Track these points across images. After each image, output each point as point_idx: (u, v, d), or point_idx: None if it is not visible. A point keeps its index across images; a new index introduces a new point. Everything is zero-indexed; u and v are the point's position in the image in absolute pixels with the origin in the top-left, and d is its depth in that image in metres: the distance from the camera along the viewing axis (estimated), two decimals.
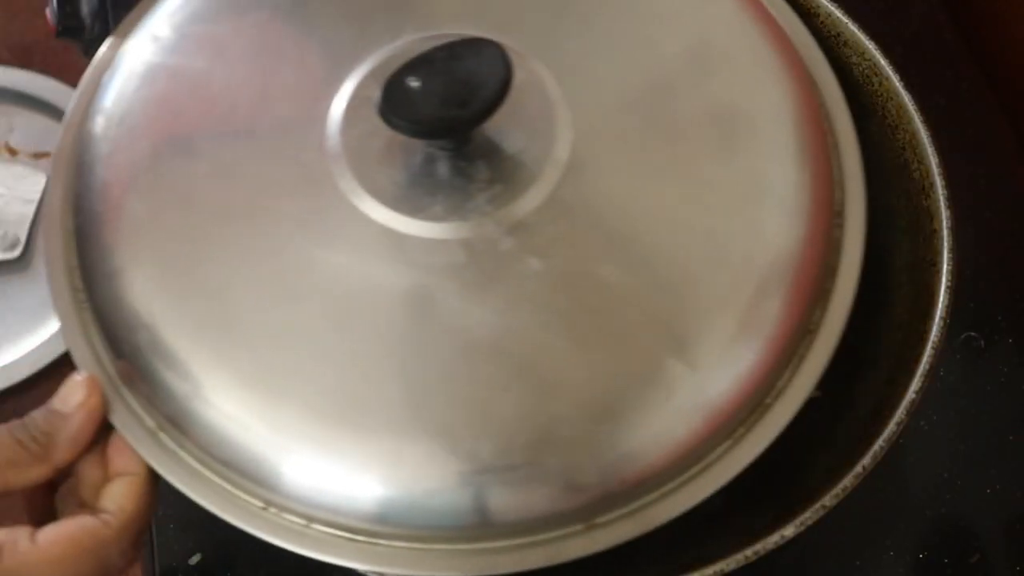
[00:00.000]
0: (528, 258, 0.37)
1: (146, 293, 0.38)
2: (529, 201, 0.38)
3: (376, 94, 0.40)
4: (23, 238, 0.82)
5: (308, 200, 0.39)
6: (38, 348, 0.78)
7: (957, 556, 0.51)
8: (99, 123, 0.41)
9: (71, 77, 0.89)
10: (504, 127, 0.39)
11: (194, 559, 0.52)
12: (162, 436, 0.39)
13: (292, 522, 0.37)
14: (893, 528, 0.52)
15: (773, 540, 0.37)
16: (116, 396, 0.39)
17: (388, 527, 0.37)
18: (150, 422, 0.39)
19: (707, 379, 0.37)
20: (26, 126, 0.89)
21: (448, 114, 0.36)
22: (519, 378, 0.36)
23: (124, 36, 0.44)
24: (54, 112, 0.89)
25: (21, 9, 0.94)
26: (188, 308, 0.38)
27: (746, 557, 0.37)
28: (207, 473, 0.38)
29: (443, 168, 0.39)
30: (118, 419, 0.39)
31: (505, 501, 0.36)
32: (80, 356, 0.40)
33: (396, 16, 0.42)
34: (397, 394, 0.36)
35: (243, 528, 0.38)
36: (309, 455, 0.36)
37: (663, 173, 0.39)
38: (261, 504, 0.38)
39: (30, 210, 0.84)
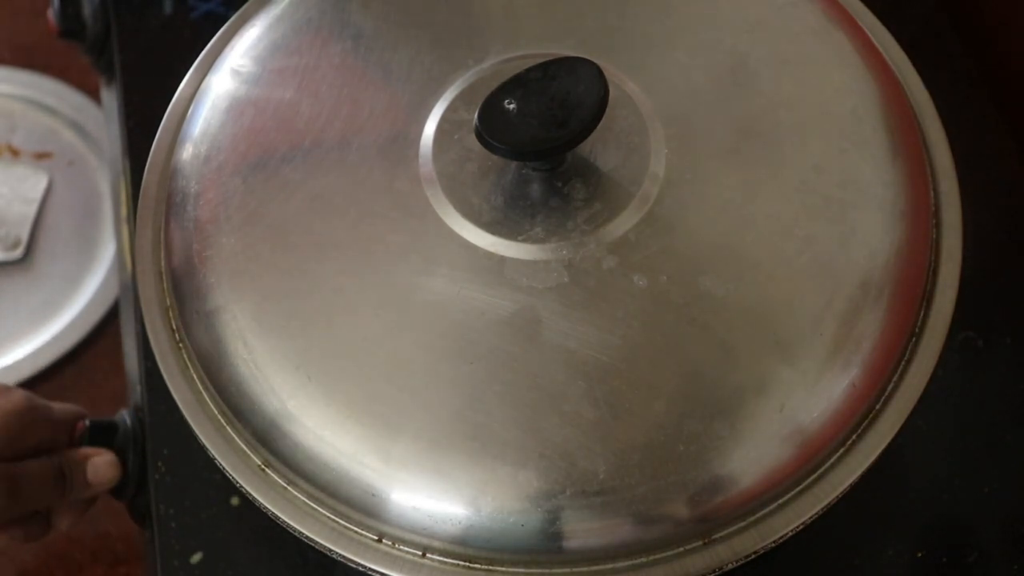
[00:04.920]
0: (632, 275, 0.37)
1: (248, 329, 0.38)
2: (629, 218, 0.38)
3: (466, 117, 0.40)
4: (25, 238, 0.82)
5: (406, 227, 0.38)
6: (39, 348, 0.78)
7: (955, 555, 0.51)
8: (186, 161, 0.41)
9: (73, 78, 0.90)
10: (598, 145, 0.39)
11: (195, 558, 0.52)
12: (270, 473, 0.38)
13: (407, 553, 0.37)
14: (891, 527, 0.52)
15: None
16: (220, 436, 0.39)
17: (504, 554, 0.36)
18: (256, 460, 0.38)
19: (818, 387, 0.37)
20: (28, 127, 0.89)
21: (547, 135, 0.36)
22: (631, 396, 0.36)
23: (202, 72, 0.43)
24: (56, 113, 0.89)
25: (23, 10, 0.94)
26: (292, 343, 0.37)
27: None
28: (318, 508, 0.38)
29: (538, 188, 0.39)
30: (225, 458, 0.38)
31: (624, 520, 0.36)
32: (182, 397, 0.39)
33: (478, 38, 0.42)
34: (509, 419, 0.36)
35: (358, 561, 0.37)
36: (423, 485, 0.36)
37: (758, 181, 0.39)
38: (375, 537, 0.37)
39: (32, 210, 0.84)
